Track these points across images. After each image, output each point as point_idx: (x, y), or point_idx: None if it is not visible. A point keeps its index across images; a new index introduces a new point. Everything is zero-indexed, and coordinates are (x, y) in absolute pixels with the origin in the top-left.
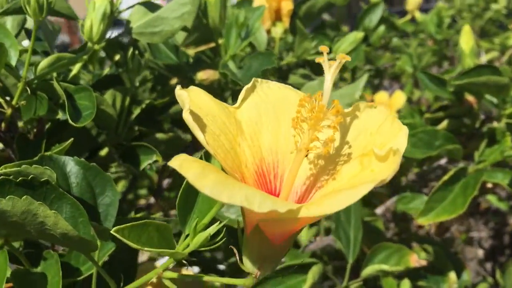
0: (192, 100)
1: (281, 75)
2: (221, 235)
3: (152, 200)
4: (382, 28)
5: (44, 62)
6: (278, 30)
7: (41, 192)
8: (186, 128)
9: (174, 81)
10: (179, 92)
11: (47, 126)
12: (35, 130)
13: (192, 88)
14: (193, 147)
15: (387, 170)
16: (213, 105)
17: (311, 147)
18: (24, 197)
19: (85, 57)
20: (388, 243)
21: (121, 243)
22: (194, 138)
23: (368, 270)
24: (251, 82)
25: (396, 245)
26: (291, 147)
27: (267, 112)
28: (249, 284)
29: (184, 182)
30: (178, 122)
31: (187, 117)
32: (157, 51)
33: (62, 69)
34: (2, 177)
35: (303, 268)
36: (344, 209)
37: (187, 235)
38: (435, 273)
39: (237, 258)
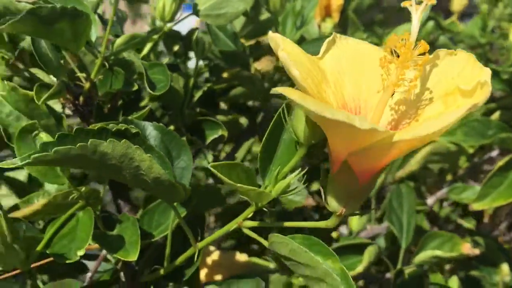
0: (284, 43)
1: None
2: (302, 181)
3: None
4: (430, 24)
5: (120, 40)
6: (328, 25)
7: (133, 143)
8: (243, 113)
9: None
10: (272, 34)
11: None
12: (109, 105)
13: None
14: (249, 131)
15: (477, 99)
16: (299, 52)
17: (398, 84)
18: (123, 141)
19: (155, 36)
20: (440, 231)
21: (191, 209)
22: (250, 121)
23: (422, 256)
24: (331, 36)
25: (448, 234)
26: (373, 92)
27: (347, 63)
28: (332, 224)
29: (264, 138)
30: (236, 106)
31: (282, 54)
32: (217, 39)
33: (135, 47)
34: (99, 125)
35: (359, 249)
36: (396, 196)
37: (266, 187)
38: (487, 265)
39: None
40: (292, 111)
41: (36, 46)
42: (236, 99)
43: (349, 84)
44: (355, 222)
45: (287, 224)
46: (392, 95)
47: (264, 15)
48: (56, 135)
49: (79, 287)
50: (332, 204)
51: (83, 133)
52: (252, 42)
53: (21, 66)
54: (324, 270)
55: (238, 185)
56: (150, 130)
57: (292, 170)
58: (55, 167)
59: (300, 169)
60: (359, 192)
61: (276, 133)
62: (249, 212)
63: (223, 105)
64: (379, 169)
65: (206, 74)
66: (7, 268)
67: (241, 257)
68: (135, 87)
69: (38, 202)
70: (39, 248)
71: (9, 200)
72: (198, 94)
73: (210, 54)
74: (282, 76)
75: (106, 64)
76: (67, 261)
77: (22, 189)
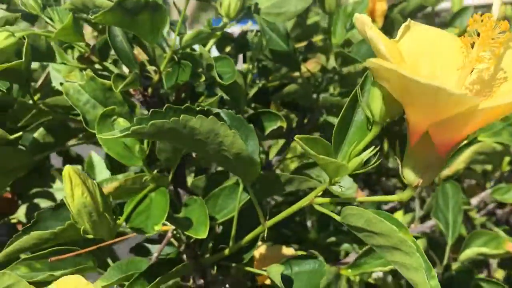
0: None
1: None
2: (376, 158)
3: None
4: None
5: (188, 35)
6: None
7: None
8: (292, 110)
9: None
10: (359, 15)
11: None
12: (173, 98)
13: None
14: (298, 129)
15: None
16: (381, 33)
17: (479, 60)
18: (211, 117)
19: (218, 33)
20: (485, 230)
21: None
22: (299, 120)
23: (468, 253)
24: (407, 22)
25: (493, 232)
26: (449, 72)
27: (422, 45)
28: (407, 197)
29: (338, 120)
30: (287, 103)
31: (371, 32)
32: (270, 40)
33: (201, 42)
34: (186, 105)
35: None
36: (442, 194)
37: None
38: None
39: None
40: (365, 92)
41: (112, 40)
42: (288, 97)
43: (424, 65)
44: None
45: (360, 199)
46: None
47: (311, 19)
48: (150, 111)
49: (147, 265)
50: (409, 176)
51: (172, 110)
52: (302, 44)
53: (95, 59)
54: (399, 238)
55: (321, 156)
56: (222, 115)
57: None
58: (133, 150)
59: (374, 146)
60: (437, 164)
61: (349, 115)
62: (321, 189)
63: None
64: (458, 141)
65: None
66: (97, 236)
67: (288, 250)
68: (203, 78)
69: (111, 184)
70: (120, 221)
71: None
72: (252, 92)
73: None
74: (328, 77)
75: (175, 57)
76: (145, 234)
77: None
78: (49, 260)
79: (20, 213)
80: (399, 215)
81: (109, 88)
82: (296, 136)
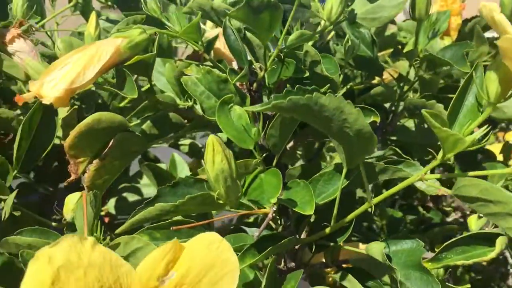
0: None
1: None
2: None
3: None
4: None
5: (293, 36)
6: (446, 43)
7: None
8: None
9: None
10: (486, 3)
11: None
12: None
13: None
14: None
15: None
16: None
17: None
18: (339, 95)
19: (317, 36)
20: None
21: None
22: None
23: None
24: None
25: None
26: None
27: None
28: None
29: (452, 102)
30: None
31: (499, 16)
32: (355, 46)
33: (303, 42)
34: (298, 85)
35: (488, 240)
36: None
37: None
38: None
39: None
40: (478, 78)
41: (227, 39)
42: (372, 99)
43: None
44: (473, 222)
45: (472, 173)
46: None
47: (388, 32)
48: (284, 91)
49: (251, 242)
50: None
51: (301, 90)
52: (383, 52)
53: (206, 56)
54: None
55: (444, 128)
56: None
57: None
58: (249, 132)
59: (487, 125)
60: None
61: (460, 99)
62: (433, 164)
63: None
64: None
65: None
66: (227, 201)
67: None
68: (306, 74)
69: None
70: (241, 193)
71: (149, 189)
72: (342, 91)
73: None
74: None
75: (281, 55)
76: (262, 206)
77: (163, 178)
78: (171, 228)
79: (110, 206)
80: (474, 220)
81: (223, 81)
82: (423, 110)
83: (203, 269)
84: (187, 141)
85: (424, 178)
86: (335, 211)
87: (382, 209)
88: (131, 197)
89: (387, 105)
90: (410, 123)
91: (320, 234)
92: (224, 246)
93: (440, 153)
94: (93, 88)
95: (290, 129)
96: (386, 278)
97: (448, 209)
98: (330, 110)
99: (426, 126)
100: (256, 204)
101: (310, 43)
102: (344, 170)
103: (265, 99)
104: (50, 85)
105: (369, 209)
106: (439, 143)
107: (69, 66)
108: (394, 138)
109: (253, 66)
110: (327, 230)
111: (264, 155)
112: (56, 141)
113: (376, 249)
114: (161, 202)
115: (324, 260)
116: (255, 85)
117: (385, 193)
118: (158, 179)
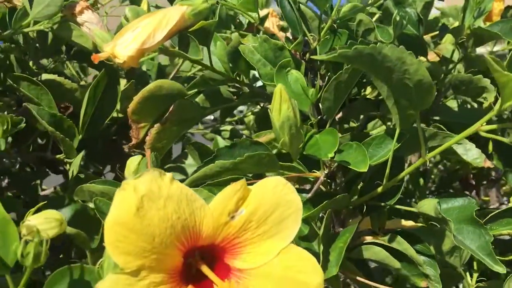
0: None
1: None
2: None
3: None
4: None
5: (345, 7)
6: None
7: None
8: None
9: None
10: None
11: None
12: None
13: None
14: None
15: None
16: None
17: None
18: (401, 46)
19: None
20: None
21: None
22: None
23: None
24: None
25: None
26: None
27: None
28: None
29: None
30: None
31: None
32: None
33: (356, 13)
34: (361, 39)
35: None
36: None
37: None
38: None
39: None
40: None
41: (283, 10)
42: None
43: None
44: None
45: None
46: None
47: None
48: (348, 42)
49: (305, 199)
50: None
51: (363, 43)
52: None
53: (260, 28)
54: None
55: (505, 72)
56: None
57: None
58: (307, 93)
59: None
60: None
61: None
62: (490, 115)
63: None
64: None
65: None
66: (290, 150)
67: (408, 223)
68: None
69: (268, 135)
70: (300, 147)
71: (194, 169)
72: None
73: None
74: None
75: (335, 26)
76: (322, 157)
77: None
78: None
79: None
80: None
81: (279, 48)
82: (487, 55)
83: (269, 208)
84: (228, 127)
85: (479, 130)
86: (387, 170)
87: (422, 192)
88: (177, 176)
89: None
90: (452, 103)
91: (372, 194)
92: (289, 189)
93: (498, 103)
94: (144, 68)
95: (344, 94)
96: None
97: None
98: (392, 60)
99: (468, 106)
100: (314, 156)
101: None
102: (397, 131)
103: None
104: (123, 46)
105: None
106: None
107: (140, 29)
108: (436, 118)
109: (306, 37)
110: (379, 189)
111: (319, 117)
112: (114, 113)
113: (428, 205)
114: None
115: (371, 227)
116: (307, 55)
117: (440, 148)
118: (203, 158)
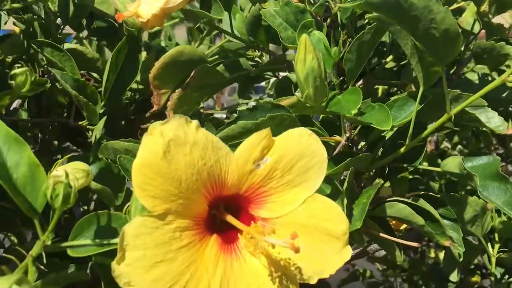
0: None
1: None
2: None
3: None
4: None
5: None
6: None
7: None
8: None
9: None
10: None
11: None
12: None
13: None
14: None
15: None
16: None
17: None
18: None
19: None
20: None
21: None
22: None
23: None
24: None
25: None
26: None
27: None
28: None
29: None
30: None
31: None
32: None
33: None
34: None
35: None
36: None
37: None
38: None
39: None
40: None
41: None
42: None
43: None
44: None
45: None
46: None
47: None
48: None
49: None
50: None
51: None
52: None
53: None
54: None
55: None
56: None
57: None
58: (330, 52)
59: None
60: None
61: None
62: None
63: None
64: None
65: None
66: (313, 104)
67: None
68: None
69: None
70: (323, 101)
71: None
72: None
73: None
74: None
75: None
76: (346, 114)
77: None
78: None
79: None
80: None
81: (300, 11)
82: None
83: (294, 157)
84: (244, 107)
85: (507, 80)
86: (410, 130)
87: None
88: None
89: None
90: (473, 76)
91: (394, 155)
92: (313, 139)
93: None
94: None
95: (366, 55)
96: None
97: None
98: (418, 9)
99: (489, 78)
100: (337, 113)
101: None
102: (421, 90)
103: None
104: (147, 5)
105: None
106: (502, 94)
107: None
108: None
109: (327, 2)
110: (402, 149)
111: (341, 78)
112: (134, 85)
113: (452, 163)
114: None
115: (392, 193)
116: (329, 20)
117: (464, 103)
118: None
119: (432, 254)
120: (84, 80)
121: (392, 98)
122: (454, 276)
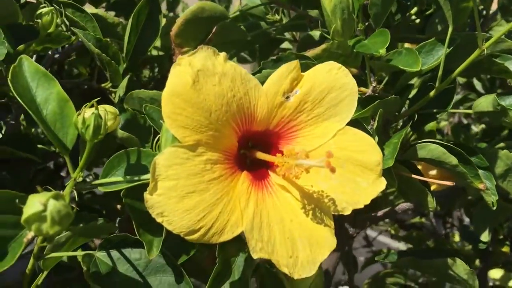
0: None
1: None
2: None
3: None
4: None
5: None
6: None
7: None
8: None
9: None
10: None
11: None
12: None
13: None
14: None
15: None
16: None
17: None
18: None
19: None
20: None
21: None
22: None
23: None
24: None
25: None
26: None
27: None
28: None
29: None
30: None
31: None
32: None
33: None
34: None
35: None
36: None
37: None
38: None
39: None
40: None
41: None
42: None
43: None
44: None
45: None
46: None
47: None
48: None
49: None
50: None
51: None
52: None
53: None
54: None
55: None
56: None
57: None
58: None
59: None
60: None
61: None
62: None
63: None
64: None
65: None
66: (341, 38)
67: None
68: None
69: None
70: (350, 44)
71: None
72: None
73: None
74: None
75: None
76: (374, 52)
77: None
78: None
79: None
80: None
81: None
82: None
83: (324, 90)
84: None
85: None
86: (440, 71)
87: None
88: None
89: None
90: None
91: (424, 99)
92: (343, 72)
93: None
94: None
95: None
96: None
97: None
98: None
99: None
100: (365, 53)
101: None
102: (450, 30)
103: None
104: None
105: None
106: None
107: None
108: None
109: None
110: (432, 92)
111: (366, 23)
112: (154, 52)
113: (485, 102)
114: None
115: None
116: None
117: (492, 39)
118: None
119: (457, 238)
120: (107, 40)
121: (419, 44)
122: (485, 236)
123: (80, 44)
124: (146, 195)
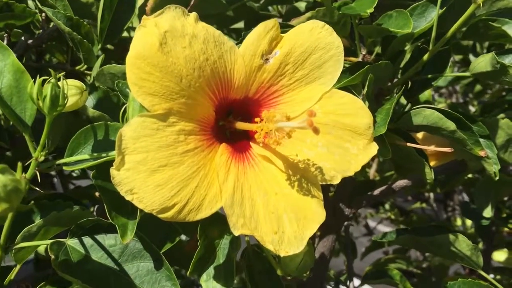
0: None
1: None
2: None
3: None
4: None
5: None
6: None
7: None
8: None
9: None
10: None
11: None
12: None
13: None
14: None
15: None
16: None
17: None
18: None
19: None
20: None
21: None
22: None
23: None
24: None
25: None
26: None
27: None
28: None
29: None
30: None
31: None
32: None
33: None
34: None
35: None
36: None
37: None
38: None
39: None
40: None
41: None
42: None
43: None
44: None
45: None
46: None
47: None
48: None
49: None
50: None
51: None
52: None
53: None
54: None
55: None
56: None
57: None
58: None
59: None
60: None
61: None
62: None
63: None
64: None
65: None
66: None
67: None
68: None
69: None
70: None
71: None
72: None
73: None
74: None
75: None
76: (361, 13)
77: None
78: None
79: None
80: None
81: None
82: None
83: (306, 50)
84: None
85: None
86: (433, 34)
87: None
88: None
89: None
90: None
91: (418, 64)
92: (327, 30)
93: None
94: None
95: None
96: None
97: None
98: None
99: None
100: (355, 12)
101: None
102: None
103: None
104: None
105: None
106: None
107: None
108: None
109: None
110: (426, 56)
111: None
112: (133, 34)
113: (483, 61)
114: None
115: None
116: None
117: None
118: None
119: (459, 222)
120: (78, 19)
121: (411, 6)
122: (487, 212)
123: (55, 28)
124: (113, 170)
